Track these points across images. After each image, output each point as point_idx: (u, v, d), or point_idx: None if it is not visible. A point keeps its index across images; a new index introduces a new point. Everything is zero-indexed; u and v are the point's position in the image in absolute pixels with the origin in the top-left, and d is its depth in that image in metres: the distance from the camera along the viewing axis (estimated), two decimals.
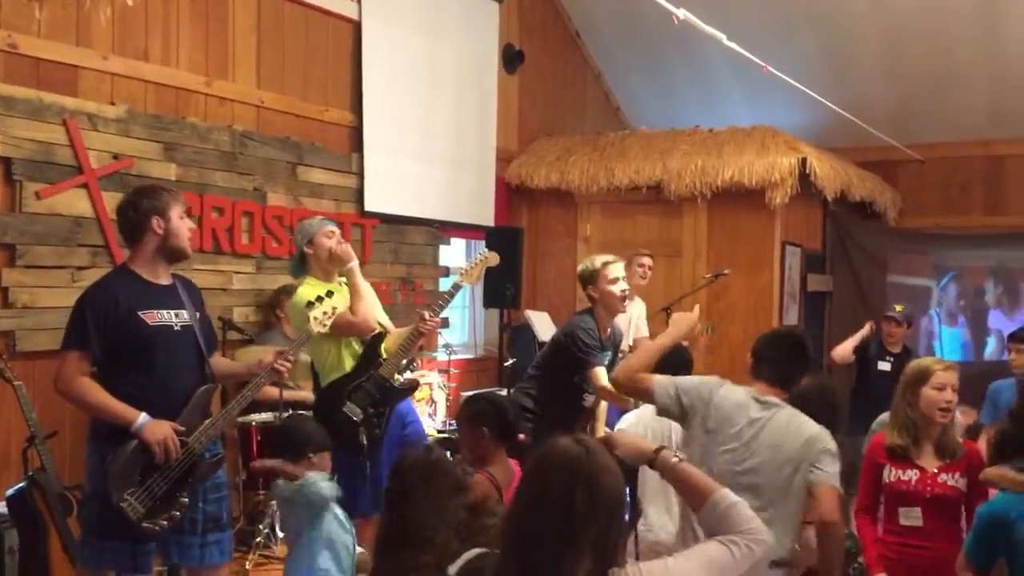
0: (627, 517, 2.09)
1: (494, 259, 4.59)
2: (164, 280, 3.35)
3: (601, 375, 4.35)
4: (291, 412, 4.61)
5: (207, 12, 5.20)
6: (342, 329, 4.06)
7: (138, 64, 4.83)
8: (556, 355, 4.56)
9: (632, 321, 6.09)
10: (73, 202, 4.51)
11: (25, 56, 4.32)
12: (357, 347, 4.28)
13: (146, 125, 4.83)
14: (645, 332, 6.24)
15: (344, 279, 4.33)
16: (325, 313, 3.73)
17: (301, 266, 4.38)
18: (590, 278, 4.52)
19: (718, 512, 1.93)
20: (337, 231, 4.39)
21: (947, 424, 3.39)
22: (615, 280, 4.48)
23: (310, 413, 4.24)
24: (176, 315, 3.31)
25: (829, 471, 2.87)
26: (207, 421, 3.32)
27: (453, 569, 1.87)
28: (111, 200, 4.62)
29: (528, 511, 1.69)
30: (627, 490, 2.07)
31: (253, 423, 4.88)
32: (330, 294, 3.85)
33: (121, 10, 4.58)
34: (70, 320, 3.23)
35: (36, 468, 3.88)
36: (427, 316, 4.29)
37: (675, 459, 2.09)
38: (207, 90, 5.20)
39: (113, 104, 4.70)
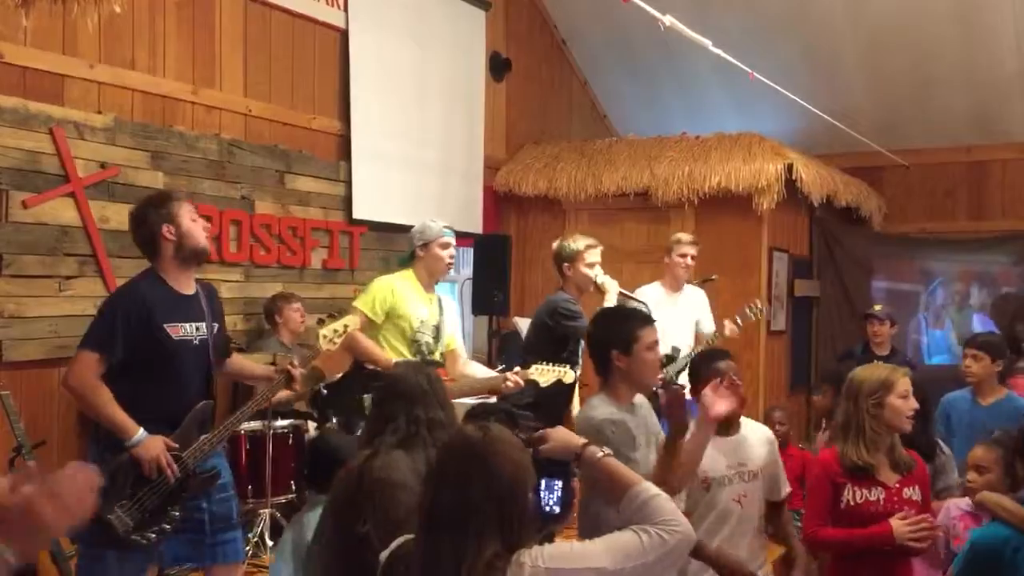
0: (559, 507, 2.23)
1: (569, 377, 4.36)
2: (188, 289, 3.33)
3: None
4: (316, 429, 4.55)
5: (193, 20, 5.20)
6: (353, 351, 4.13)
7: (125, 73, 4.83)
8: (542, 335, 4.62)
9: (690, 315, 5.83)
10: (60, 211, 4.49)
11: (11, 65, 4.31)
12: (406, 352, 4.27)
13: (133, 134, 4.82)
14: (710, 326, 5.89)
15: (438, 296, 4.42)
16: (336, 331, 3.71)
17: (407, 262, 4.43)
18: (569, 257, 4.64)
19: (636, 503, 1.94)
20: (454, 243, 4.39)
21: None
22: (592, 264, 4.63)
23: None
24: (196, 328, 3.30)
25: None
26: (203, 437, 3.29)
27: (384, 555, 1.91)
28: (98, 209, 4.63)
29: (431, 495, 1.78)
30: (560, 483, 2.22)
31: (242, 432, 4.85)
32: (337, 314, 3.85)
33: (108, 19, 4.57)
34: (97, 320, 3.22)
35: None
36: (510, 383, 4.21)
37: (600, 454, 2.12)
38: (194, 98, 5.19)
39: (100, 113, 4.69)
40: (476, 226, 7.34)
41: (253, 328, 5.46)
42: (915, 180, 8.64)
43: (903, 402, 3.14)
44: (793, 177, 6.89)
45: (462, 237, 7.25)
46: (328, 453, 3.11)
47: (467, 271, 7.52)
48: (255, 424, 4.87)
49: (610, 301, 4.58)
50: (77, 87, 4.61)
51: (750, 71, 5.50)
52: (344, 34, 6.15)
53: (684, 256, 5.73)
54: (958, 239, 8.31)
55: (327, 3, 6.03)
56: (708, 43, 4.74)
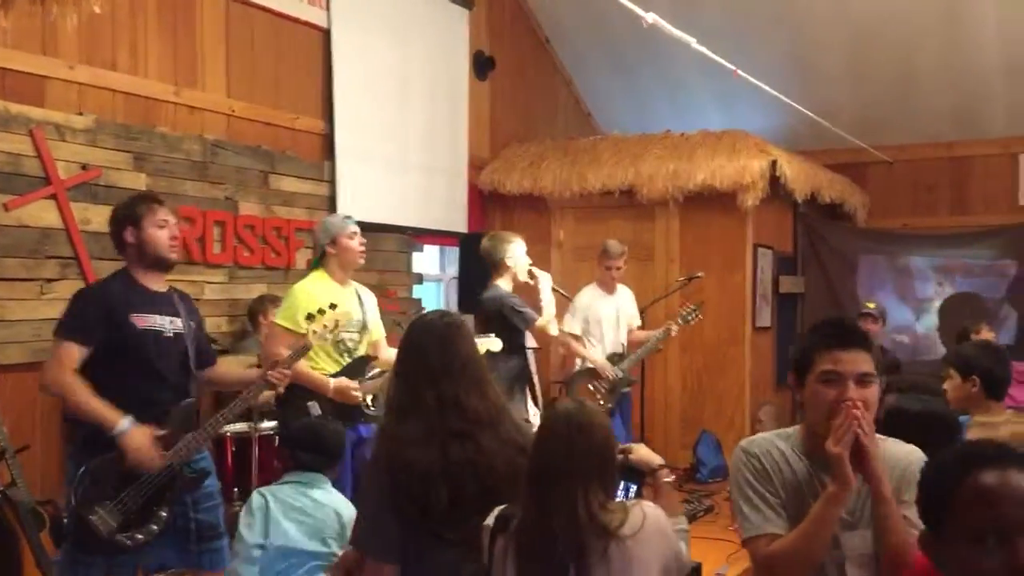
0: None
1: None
2: (160, 288, 3.35)
3: (548, 326, 5.01)
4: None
5: (175, 21, 5.17)
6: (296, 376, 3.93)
7: (106, 73, 4.79)
8: (500, 331, 4.75)
9: (624, 313, 6.20)
10: (41, 213, 4.46)
11: None
12: (333, 355, 4.23)
13: (115, 135, 4.79)
14: (636, 320, 6.33)
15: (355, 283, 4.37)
16: (326, 326, 3.67)
17: (317, 263, 4.34)
18: (508, 253, 5.11)
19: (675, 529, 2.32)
20: (359, 231, 4.34)
21: None
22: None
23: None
24: (170, 322, 3.31)
25: None
26: (188, 435, 3.28)
27: (490, 520, 2.21)
28: (80, 211, 4.59)
29: (541, 454, 2.16)
30: (636, 487, 2.53)
31: (228, 434, 4.83)
32: (333, 307, 3.81)
33: (88, 19, 4.53)
34: (67, 313, 3.23)
35: (7, 483, 3.82)
36: None
37: (668, 480, 2.48)
38: (176, 99, 5.16)
39: (81, 114, 4.65)
40: (461, 225, 7.33)
41: (237, 329, 5.43)
42: (898, 176, 8.68)
43: None
44: (777, 174, 6.91)
45: (447, 236, 7.28)
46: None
47: (452, 270, 7.52)
48: (241, 426, 4.85)
49: (545, 291, 5.11)
50: (57, 88, 4.57)
51: (734, 68, 5.51)
52: (327, 34, 6.12)
53: (610, 269, 6.11)
54: (940, 234, 8.37)
55: (309, 2, 6.00)
56: (692, 40, 4.74)
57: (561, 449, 2.12)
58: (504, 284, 5.12)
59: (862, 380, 2.04)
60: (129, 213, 3.28)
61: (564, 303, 5.84)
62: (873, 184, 8.75)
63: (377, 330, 4.47)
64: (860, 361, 2.05)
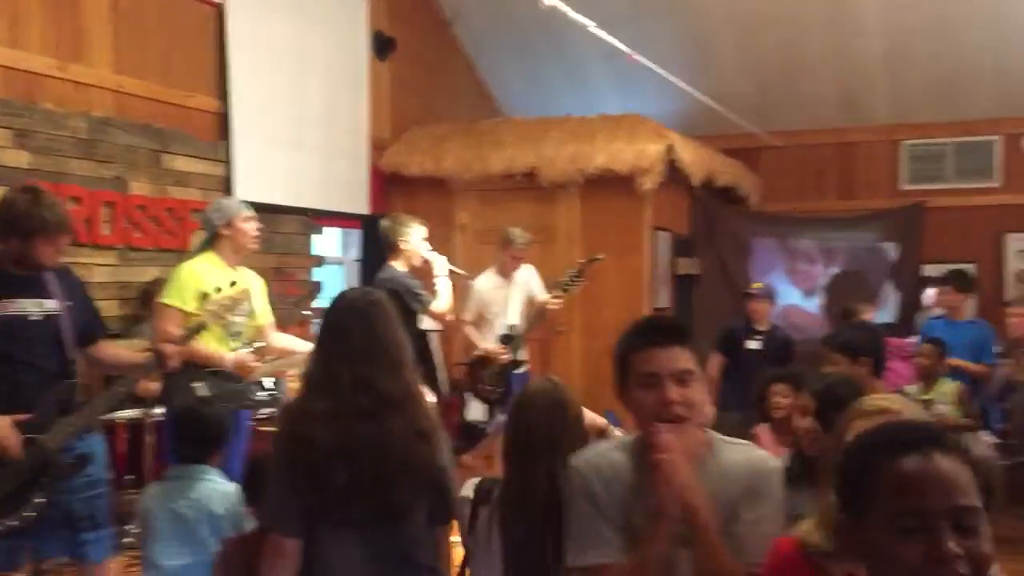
0: None
1: None
2: (27, 271, 3.20)
3: (443, 307, 5.13)
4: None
5: None
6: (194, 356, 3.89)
7: None
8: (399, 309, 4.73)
9: (523, 292, 6.18)
10: None
11: None
12: (222, 335, 4.14)
13: None
14: (543, 293, 6.20)
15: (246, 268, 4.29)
16: (222, 304, 3.63)
17: (207, 244, 4.22)
18: (404, 236, 5.20)
19: None
20: (255, 215, 4.28)
21: None
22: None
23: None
24: (38, 304, 3.17)
25: None
26: (65, 420, 3.16)
27: (468, 492, 2.40)
28: None
29: (522, 429, 2.34)
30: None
31: (122, 420, 4.69)
32: (233, 284, 3.74)
33: None
34: None
35: None
36: None
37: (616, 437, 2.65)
38: (61, 74, 4.95)
39: None
40: (363, 207, 7.26)
41: (129, 314, 5.26)
42: (789, 161, 8.98)
43: None
44: (674, 158, 7.06)
45: (349, 218, 7.20)
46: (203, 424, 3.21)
47: (355, 253, 7.45)
48: (134, 412, 4.72)
49: (440, 275, 5.23)
50: None
51: (630, 52, 5.61)
52: (220, 8, 5.96)
53: (515, 258, 6.08)
54: (828, 218, 8.70)
55: None
56: (589, 23, 4.81)
57: (542, 423, 2.33)
58: (399, 266, 5.15)
59: (682, 379, 1.85)
60: (24, 228, 3.12)
61: (462, 281, 5.85)
62: (765, 168, 9.03)
63: (265, 315, 4.41)
64: (678, 358, 1.86)
